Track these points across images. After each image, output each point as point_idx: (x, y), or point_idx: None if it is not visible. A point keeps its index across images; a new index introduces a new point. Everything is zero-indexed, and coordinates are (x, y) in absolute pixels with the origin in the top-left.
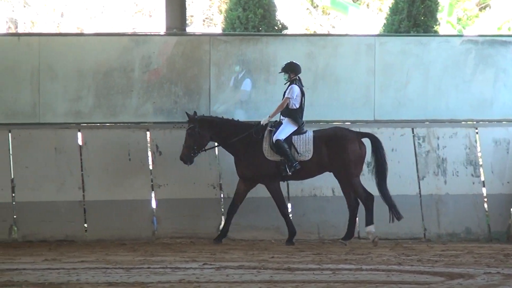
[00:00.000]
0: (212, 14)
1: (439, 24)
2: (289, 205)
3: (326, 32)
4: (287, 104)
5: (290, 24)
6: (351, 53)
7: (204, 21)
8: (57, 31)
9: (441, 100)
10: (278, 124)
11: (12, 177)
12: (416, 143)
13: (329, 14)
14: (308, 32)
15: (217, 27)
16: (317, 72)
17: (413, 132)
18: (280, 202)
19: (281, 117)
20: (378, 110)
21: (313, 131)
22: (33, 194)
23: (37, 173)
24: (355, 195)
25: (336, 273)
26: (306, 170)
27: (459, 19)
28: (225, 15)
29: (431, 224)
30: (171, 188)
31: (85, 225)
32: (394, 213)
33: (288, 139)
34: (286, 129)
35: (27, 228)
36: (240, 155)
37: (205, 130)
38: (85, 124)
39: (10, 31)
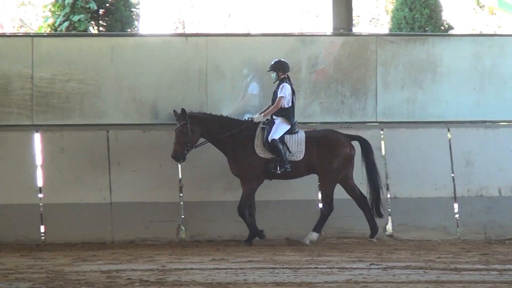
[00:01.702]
0: (379, 14)
1: None
2: (455, 205)
3: (493, 32)
4: None
5: (456, 24)
6: None
7: (370, 21)
8: (224, 31)
9: None
10: (270, 123)
11: (180, 177)
12: None
13: (495, 14)
14: (474, 32)
15: (384, 27)
16: (483, 72)
17: None
18: (245, 201)
19: (273, 117)
20: None
21: (306, 132)
22: (201, 194)
23: (204, 173)
24: (323, 201)
25: (503, 274)
26: (296, 170)
27: None
28: (391, 15)
29: None
30: (338, 188)
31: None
32: (376, 211)
33: (281, 138)
34: (280, 129)
35: (194, 228)
36: (230, 152)
37: (196, 127)
38: None
39: (178, 32)
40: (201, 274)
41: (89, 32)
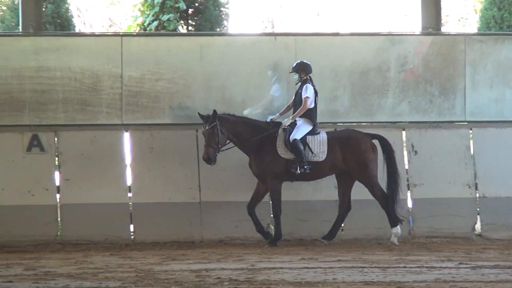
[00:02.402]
0: (467, 14)
1: None
2: None
3: None
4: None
5: None
6: None
7: (459, 20)
8: (313, 31)
9: None
10: (292, 124)
11: None
12: None
13: None
14: None
15: (472, 26)
16: None
17: None
18: (277, 202)
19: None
20: None
21: (327, 133)
22: (290, 193)
23: None
24: (374, 195)
25: None
26: (319, 171)
27: None
28: (480, 14)
29: None
30: (427, 188)
31: (342, 224)
32: (391, 216)
33: (303, 139)
34: (302, 129)
35: (283, 227)
36: (253, 152)
37: (225, 129)
38: (341, 124)
39: (267, 31)
40: (290, 273)
41: (178, 32)
